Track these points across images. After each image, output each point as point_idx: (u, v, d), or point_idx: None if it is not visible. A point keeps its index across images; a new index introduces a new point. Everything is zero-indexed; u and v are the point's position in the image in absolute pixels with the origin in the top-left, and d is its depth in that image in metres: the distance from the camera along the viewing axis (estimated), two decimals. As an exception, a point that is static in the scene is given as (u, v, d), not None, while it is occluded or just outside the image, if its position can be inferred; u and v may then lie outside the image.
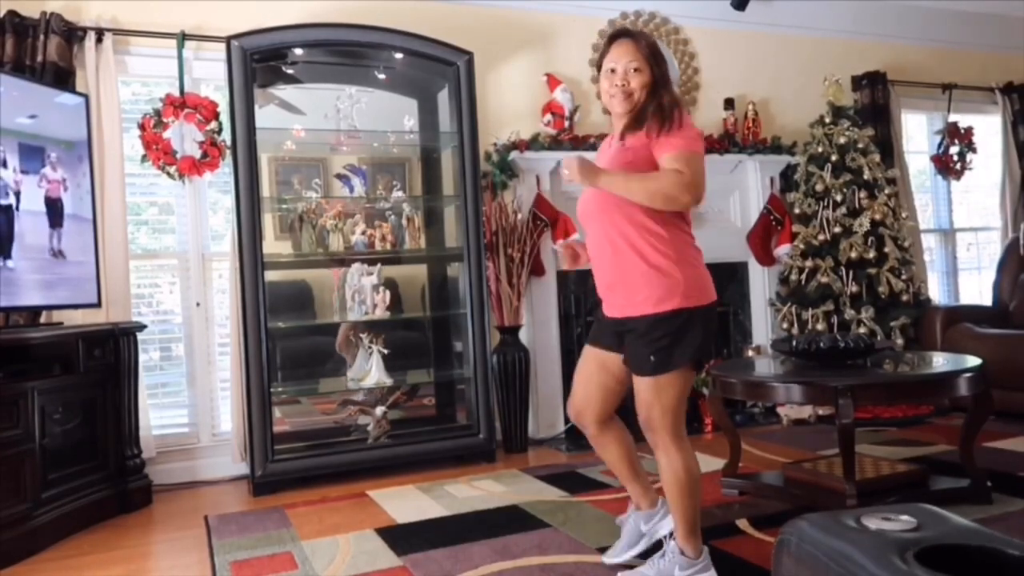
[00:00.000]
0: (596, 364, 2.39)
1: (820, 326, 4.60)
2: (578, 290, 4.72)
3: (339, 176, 4.10)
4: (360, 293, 3.89)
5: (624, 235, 2.19)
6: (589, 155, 2.46)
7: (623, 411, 2.46)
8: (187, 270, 3.96)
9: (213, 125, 3.82)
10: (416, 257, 4.28)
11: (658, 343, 2.14)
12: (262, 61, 3.73)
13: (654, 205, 2.12)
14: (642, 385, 2.20)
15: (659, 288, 2.14)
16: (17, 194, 3.08)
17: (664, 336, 2.14)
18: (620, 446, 2.45)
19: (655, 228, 2.17)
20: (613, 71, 2.25)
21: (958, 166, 5.83)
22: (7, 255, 3.02)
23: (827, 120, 4.92)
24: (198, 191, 3.96)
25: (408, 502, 3.26)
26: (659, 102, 2.21)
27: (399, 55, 3.96)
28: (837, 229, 4.71)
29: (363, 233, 3.97)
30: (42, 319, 3.48)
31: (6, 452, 2.80)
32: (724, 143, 4.87)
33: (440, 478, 3.63)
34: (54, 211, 3.25)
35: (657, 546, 2.35)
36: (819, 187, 4.78)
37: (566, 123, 4.51)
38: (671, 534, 2.28)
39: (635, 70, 2.23)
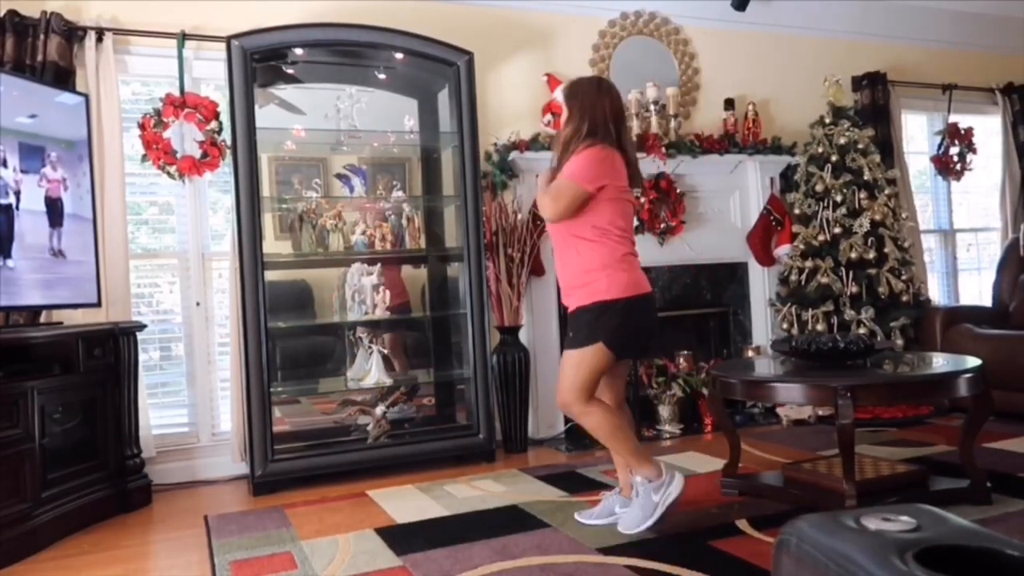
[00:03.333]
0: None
1: (820, 326, 4.60)
2: (578, 290, 4.71)
3: (339, 176, 4.11)
4: (360, 293, 3.89)
5: (565, 243, 2.73)
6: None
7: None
8: (187, 270, 3.96)
9: (213, 125, 3.82)
10: (416, 257, 4.28)
11: (578, 324, 2.66)
12: (262, 61, 3.73)
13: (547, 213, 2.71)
14: (564, 358, 2.69)
15: (586, 287, 2.64)
16: (17, 194, 3.08)
17: (584, 323, 2.64)
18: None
19: (584, 238, 2.67)
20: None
21: (958, 167, 5.83)
22: (7, 255, 3.02)
23: (827, 120, 4.91)
24: (198, 191, 3.96)
25: (408, 502, 3.26)
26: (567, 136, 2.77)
27: (399, 55, 3.96)
28: (837, 229, 4.71)
29: (363, 233, 3.97)
30: (42, 319, 3.48)
31: (6, 452, 2.80)
32: (724, 143, 4.87)
33: (440, 478, 3.63)
34: (54, 211, 3.25)
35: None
36: (819, 187, 4.78)
37: (566, 123, 4.51)
38: (630, 471, 2.69)
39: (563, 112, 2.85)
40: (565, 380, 2.66)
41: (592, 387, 2.65)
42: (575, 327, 2.68)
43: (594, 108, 2.73)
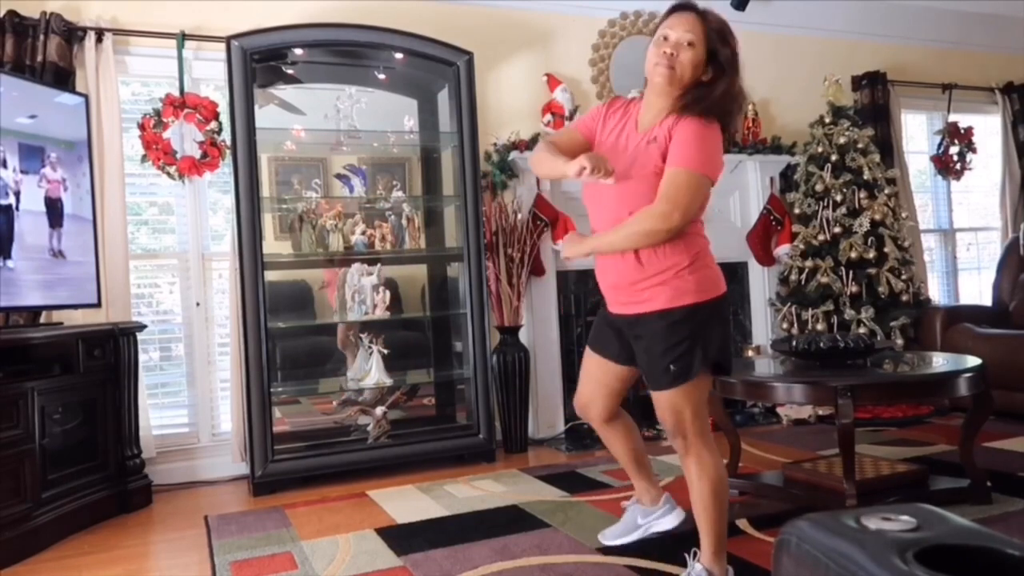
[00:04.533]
0: (598, 368, 2.34)
1: (820, 326, 4.60)
2: (578, 290, 4.72)
3: (339, 176, 4.10)
4: (360, 293, 3.89)
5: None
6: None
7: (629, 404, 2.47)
8: (187, 270, 3.96)
9: (213, 125, 3.82)
10: (416, 257, 4.28)
11: (676, 350, 2.01)
12: (262, 61, 3.73)
13: (638, 246, 2.02)
14: (663, 399, 2.07)
15: (669, 287, 2.03)
16: (17, 194, 3.08)
17: (681, 341, 2.01)
18: (627, 440, 2.43)
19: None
20: (665, 39, 2.05)
21: (958, 166, 5.83)
22: (7, 255, 3.02)
23: (827, 120, 4.92)
24: (198, 191, 3.96)
25: (408, 502, 3.26)
26: (712, 91, 2.02)
27: (399, 55, 3.96)
28: (837, 229, 4.71)
29: (363, 233, 3.97)
30: (42, 319, 3.48)
31: (6, 452, 2.79)
32: (724, 143, 4.86)
33: (440, 478, 3.63)
34: (54, 211, 3.25)
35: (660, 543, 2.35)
36: (819, 187, 4.78)
37: (566, 123, 4.51)
38: (695, 553, 2.16)
39: (688, 44, 2.02)
40: (681, 416, 2.06)
41: (708, 415, 2.14)
42: (662, 351, 2.03)
43: (732, 65, 2.07)
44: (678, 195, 1.97)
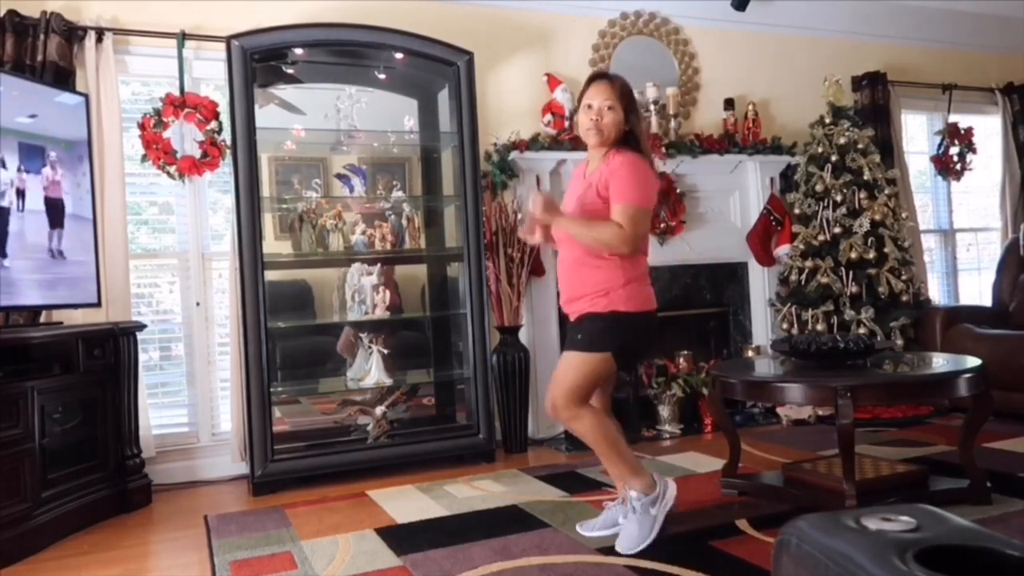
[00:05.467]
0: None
1: (820, 326, 4.60)
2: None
3: (339, 176, 4.10)
4: (360, 293, 3.89)
5: (582, 255, 2.56)
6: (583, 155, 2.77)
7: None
8: (187, 270, 3.96)
9: (213, 125, 3.82)
10: (416, 257, 4.28)
11: (589, 330, 2.52)
12: (262, 61, 3.73)
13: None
14: (562, 361, 2.55)
15: (603, 298, 2.51)
16: (20, 193, 3.08)
17: (597, 330, 2.51)
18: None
19: (616, 253, 2.51)
20: (590, 107, 2.57)
21: (958, 166, 5.83)
22: (5, 254, 3.02)
23: (827, 120, 4.91)
24: (198, 191, 3.96)
25: (408, 502, 3.26)
26: (626, 142, 2.55)
27: (399, 55, 3.96)
28: (837, 229, 4.71)
29: (363, 233, 3.97)
30: (42, 319, 3.48)
31: (6, 452, 2.80)
32: (724, 143, 4.87)
33: (440, 478, 3.63)
34: (54, 211, 3.25)
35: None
36: (819, 187, 4.78)
37: (566, 123, 4.51)
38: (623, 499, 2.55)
39: (608, 108, 2.54)
40: (562, 382, 2.52)
41: (588, 393, 2.54)
42: (583, 331, 2.54)
43: (638, 114, 2.64)
44: (629, 225, 2.46)
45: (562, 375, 2.53)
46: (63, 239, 3.28)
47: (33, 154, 3.16)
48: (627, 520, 2.51)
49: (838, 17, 5.44)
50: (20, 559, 2.79)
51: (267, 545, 2.80)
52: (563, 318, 4.60)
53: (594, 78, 2.62)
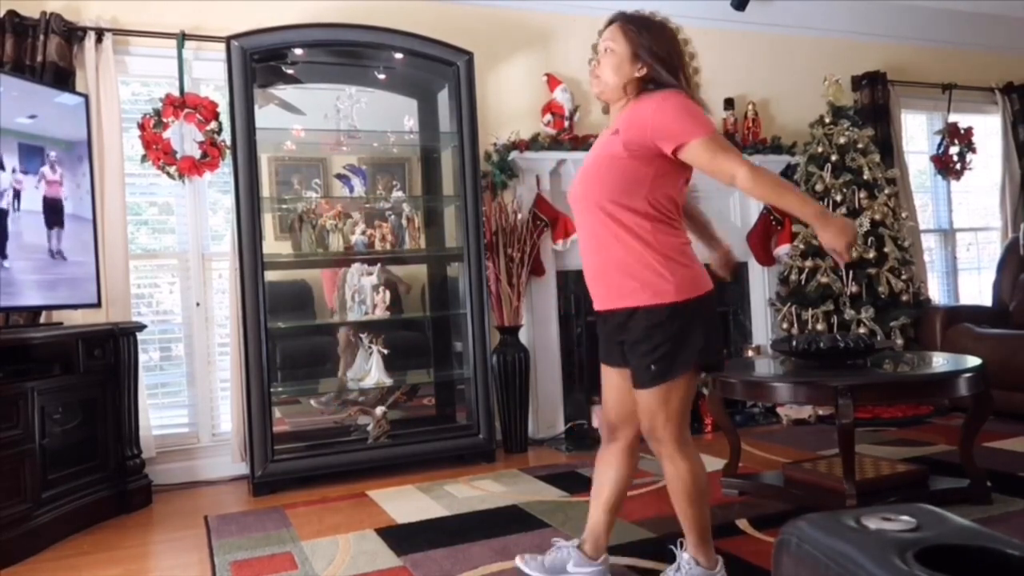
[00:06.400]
0: (611, 378, 2.24)
1: (820, 326, 4.60)
2: (578, 290, 4.71)
3: (339, 176, 4.10)
4: (360, 293, 3.89)
5: (606, 226, 2.05)
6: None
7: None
8: (187, 270, 3.96)
9: (213, 125, 3.82)
10: (416, 257, 4.28)
11: (657, 351, 2.00)
12: (262, 61, 3.73)
13: (766, 198, 2.03)
14: (643, 396, 2.07)
15: (646, 284, 2.00)
16: (17, 194, 3.08)
17: (663, 342, 1.99)
18: (624, 475, 2.27)
19: (637, 221, 2.02)
20: (595, 52, 2.16)
21: (958, 166, 5.83)
22: (5, 255, 3.02)
23: (827, 120, 4.92)
24: (198, 191, 3.96)
25: (408, 502, 3.26)
26: (658, 76, 2.06)
27: (399, 55, 3.96)
28: (837, 229, 4.70)
29: (363, 233, 3.97)
30: (42, 319, 3.48)
31: (6, 452, 2.79)
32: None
33: (440, 478, 3.63)
34: (54, 211, 3.25)
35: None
36: (819, 187, 4.78)
37: (566, 123, 4.51)
38: (681, 543, 2.16)
39: (607, 50, 2.12)
40: (655, 419, 2.06)
41: (688, 417, 2.12)
42: (645, 350, 2.02)
43: (677, 58, 2.12)
44: (715, 159, 1.95)
45: (650, 416, 2.08)
46: (63, 239, 3.28)
47: (33, 155, 3.16)
48: None
49: (838, 17, 5.44)
50: (20, 559, 2.79)
51: (267, 545, 2.80)
52: (565, 315, 4.63)
53: (608, 23, 2.17)
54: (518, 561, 2.35)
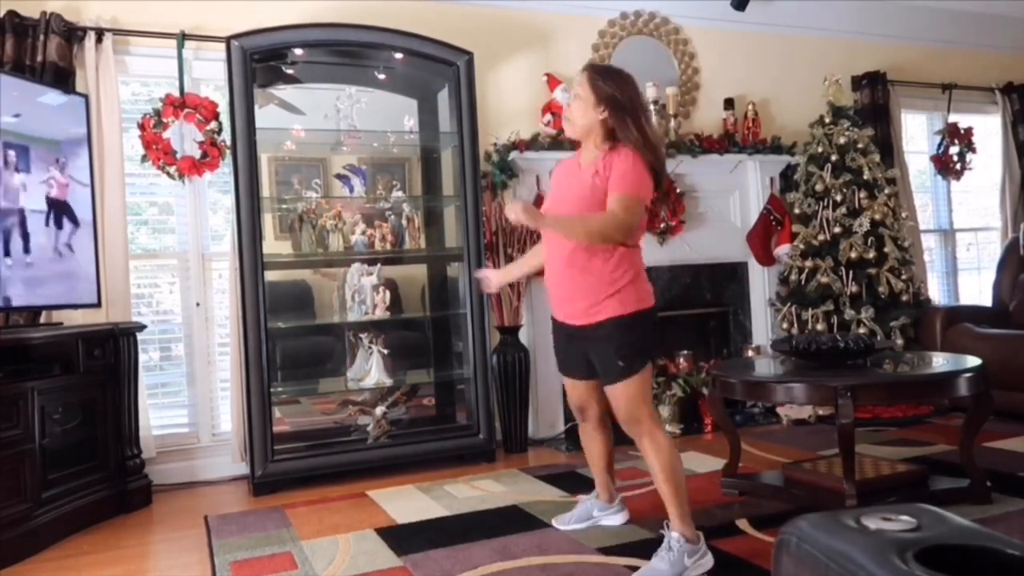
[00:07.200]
0: (575, 388, 2.71)
1: (820, 326, 4.60)
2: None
3: (339, 176, 4.10)
4: (360, 293, 3.89)
5: (585, 251, 2.41)
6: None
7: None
8: (187, 270, 3.96)
9: (213, 125, 3.82)
10: (416, 257, 4.28)
11: (623, 350, 2.39)
12: (262, 61, 3.73)
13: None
14: (617, 389, 2.43)
15: (616, 298, 2.40)
16: (16, 194, 3.08)
17: (631, 343, 2.40)
18: (605, 446, 2.81)
19: (610, 248, 2.40)
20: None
21: (958, 166, 5.83)
22: (7, 254, 3.02)
23: (827, 120, 4.91)
24: (198, 191, 3.96)
25: (408, 502, 3.26)
26: (614, 131, 2.41)
27: (399, 55, 3.96)
28: (837, 229, 4.71)
29: (363, 233, 3.97)
30: (42, 319, 3.48)
31: (6, 452, 2.80)
32: (724, 143, 4.87)
33: (440, 478, 3.63)
34: (54, 211, 3.25)
35: (655, 546, 2.37)
36: (819, 187, 4.78)
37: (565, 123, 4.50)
38: (667, 524, 2.41)
39: (575, 96, 2.48)
40: (632, 404, 2.43)
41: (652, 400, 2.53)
42: (614, 349, 2.40)
43: (634, 104, 2.42)
44: (625, 213, 2.34)
45: (623, 398, 2.44)
46: (63, 239, 3.27)
47: (32, 155, 3.16)
48: (658, 557, 2.33)
49: (838, 17, 5.44)
50: (20, 559, 2.79)
51: (267, 545, 2.80)
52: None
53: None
54: (554, 522, 2.83)
